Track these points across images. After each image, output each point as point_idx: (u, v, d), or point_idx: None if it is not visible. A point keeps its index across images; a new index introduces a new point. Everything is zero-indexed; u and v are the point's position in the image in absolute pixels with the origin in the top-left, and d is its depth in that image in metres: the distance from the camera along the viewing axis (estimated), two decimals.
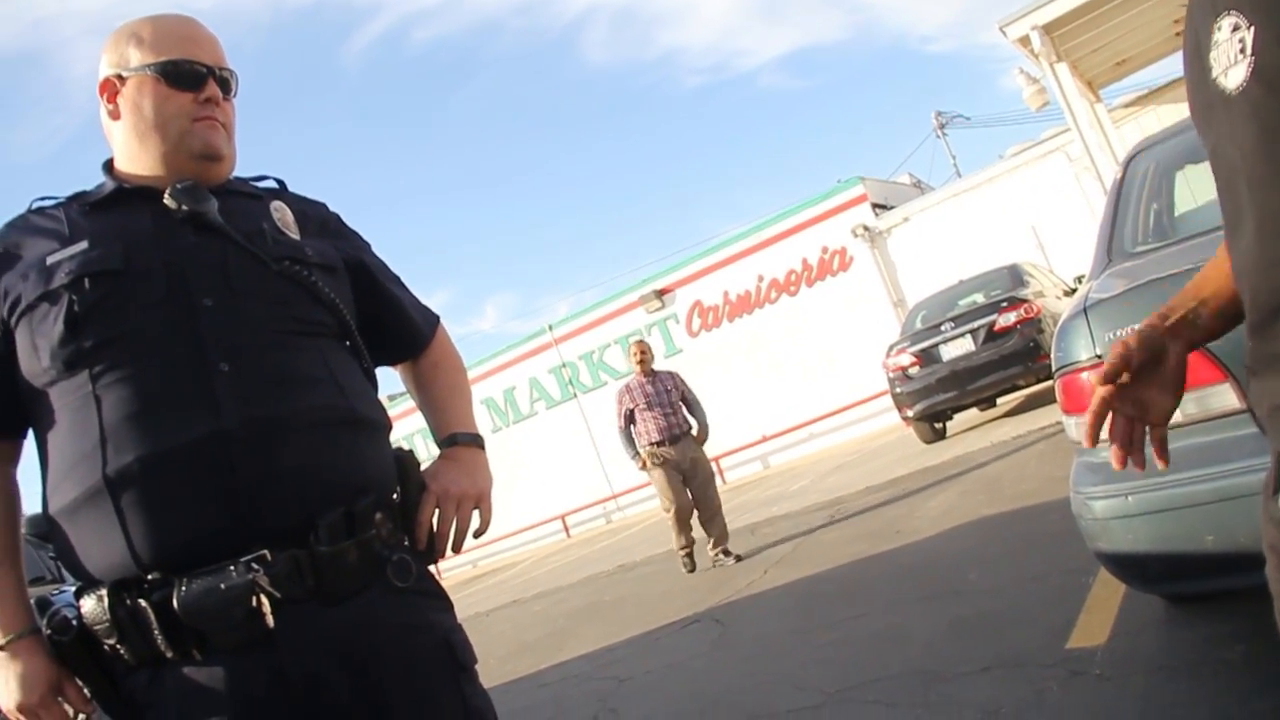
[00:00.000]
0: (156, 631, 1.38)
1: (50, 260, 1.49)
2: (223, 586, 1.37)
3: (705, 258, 20.60)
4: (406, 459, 1.66)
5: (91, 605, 1.42)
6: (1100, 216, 3.56)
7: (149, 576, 1.40)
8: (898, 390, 11.57)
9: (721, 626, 5.81)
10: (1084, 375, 2.71)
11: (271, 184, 1.74)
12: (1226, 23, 0.99)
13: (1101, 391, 1.30)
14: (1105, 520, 2.67)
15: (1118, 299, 2.73)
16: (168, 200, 1.53)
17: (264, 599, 1.39)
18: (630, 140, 66.76)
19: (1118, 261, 3.15)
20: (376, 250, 1.86)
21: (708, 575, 7.88)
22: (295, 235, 1.65)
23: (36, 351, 1.47)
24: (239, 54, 1.69)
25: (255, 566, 1.39)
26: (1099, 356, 2.64)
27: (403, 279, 1.89)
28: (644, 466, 8.12)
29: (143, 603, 1.39)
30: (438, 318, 1.93)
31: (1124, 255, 3.18)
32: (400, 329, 1.84)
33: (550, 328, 22.65)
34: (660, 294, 20.91)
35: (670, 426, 8.05)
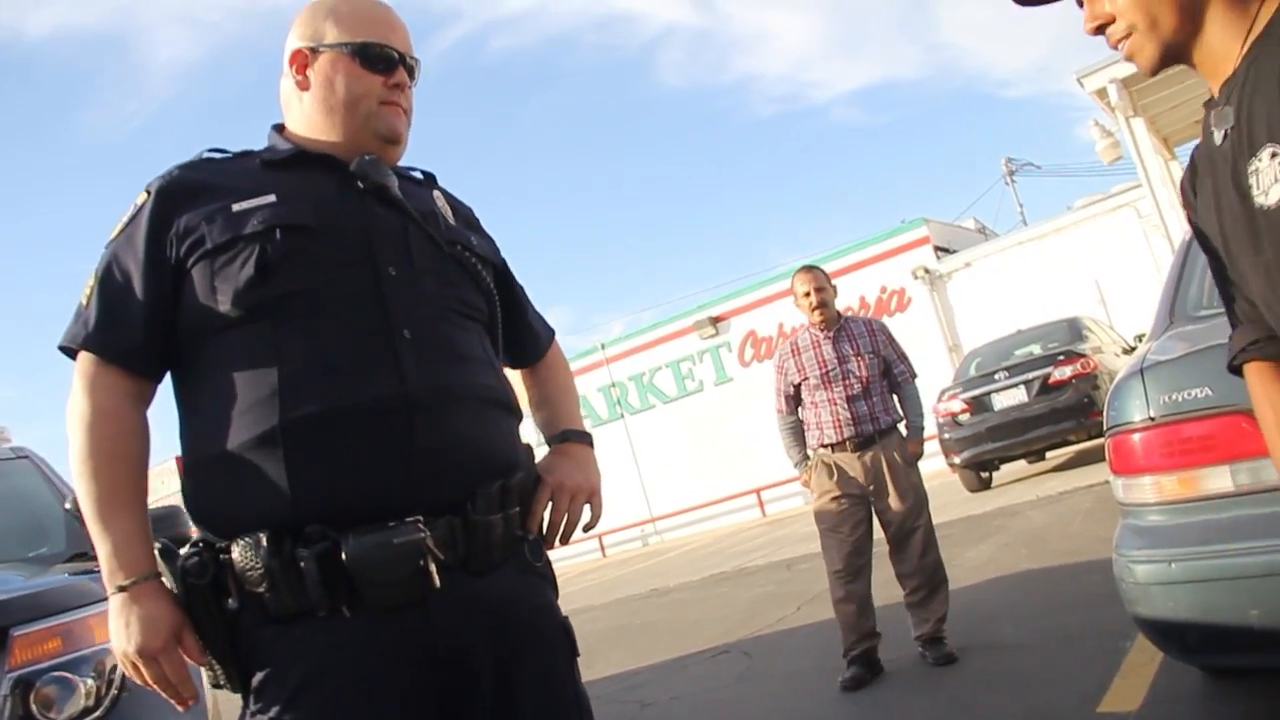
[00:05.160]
0: (314, 583, 1.38)
1: (237, 208, 1.52)
2: (395, 542, 1.39)
3: (762, 288, 20.60)
4: (528, 451, 1.70)
5: (241, 552, 1.40)
6: (1165, 276, 3.51)
7: (306, 528, 1.40)
8: (946, 436, 11.45)
9: (750, 659, 5.78)
10: (1135, 436, 2.67)
11: (419, 175, 1.79)
12: (1266, 152, 1.15)
13: None
14: (1146, 585, 2.62)
15: (1176, 363, 2.68)
16: (354, 170, 1.58)
17: (430, 560, 1.41)
18: (699, 164, 66.94)
19: (1179, 324, 3.09)
20: None
21: (740, 606, 7.80)
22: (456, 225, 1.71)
23: (215, 294, 1.48)
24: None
25: (423, 528, 1.42)
26: (1152, 419, 2.60)
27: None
28: (808, 482, 4.77)
29: (303, 552, 1.38)
30: (553, 331, 1.98)
31: (1186, 319, 3.12)
32: (526, 334, 1.89)
33: (603, 346, 22.75)
34: (715, 321, 20.91)
35: (859, 418, 4.66)
